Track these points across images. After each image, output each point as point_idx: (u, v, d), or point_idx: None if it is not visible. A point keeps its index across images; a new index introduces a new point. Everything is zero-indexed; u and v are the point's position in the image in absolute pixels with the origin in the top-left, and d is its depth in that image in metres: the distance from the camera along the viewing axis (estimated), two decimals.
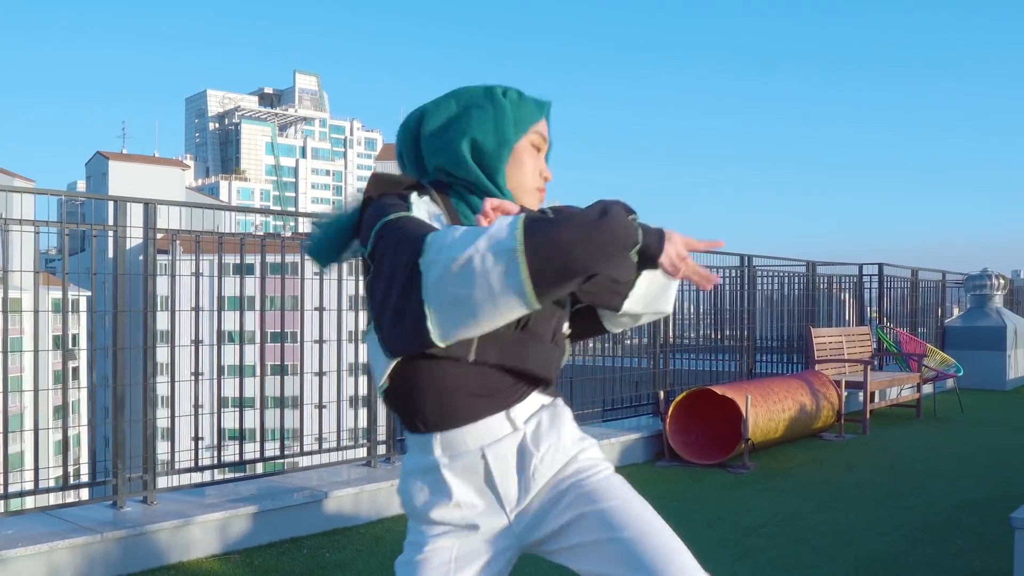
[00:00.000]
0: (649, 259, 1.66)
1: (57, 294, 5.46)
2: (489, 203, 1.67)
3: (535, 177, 1.89)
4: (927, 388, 12.09)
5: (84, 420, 5.13)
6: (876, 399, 10.85)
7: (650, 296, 1.85)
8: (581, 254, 1.50)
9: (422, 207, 1.76)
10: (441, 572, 1.77)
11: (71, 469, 4.88)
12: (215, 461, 5.14)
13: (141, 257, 4.86)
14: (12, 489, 4.31)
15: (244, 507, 4.77)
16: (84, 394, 5.22)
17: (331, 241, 1.83)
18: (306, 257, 1.93)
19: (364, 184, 1.81)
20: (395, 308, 1.59)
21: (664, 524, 1.76)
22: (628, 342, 9.17)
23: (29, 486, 4.39)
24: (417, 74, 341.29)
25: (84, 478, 4.94)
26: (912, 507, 5.94)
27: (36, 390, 4.52)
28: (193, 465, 5.04)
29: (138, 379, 4.78)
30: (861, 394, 9.73)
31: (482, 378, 1.74)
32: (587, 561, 1.75)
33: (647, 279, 1.81)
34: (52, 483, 4.56)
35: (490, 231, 1.52)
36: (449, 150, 1.82)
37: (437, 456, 1.77)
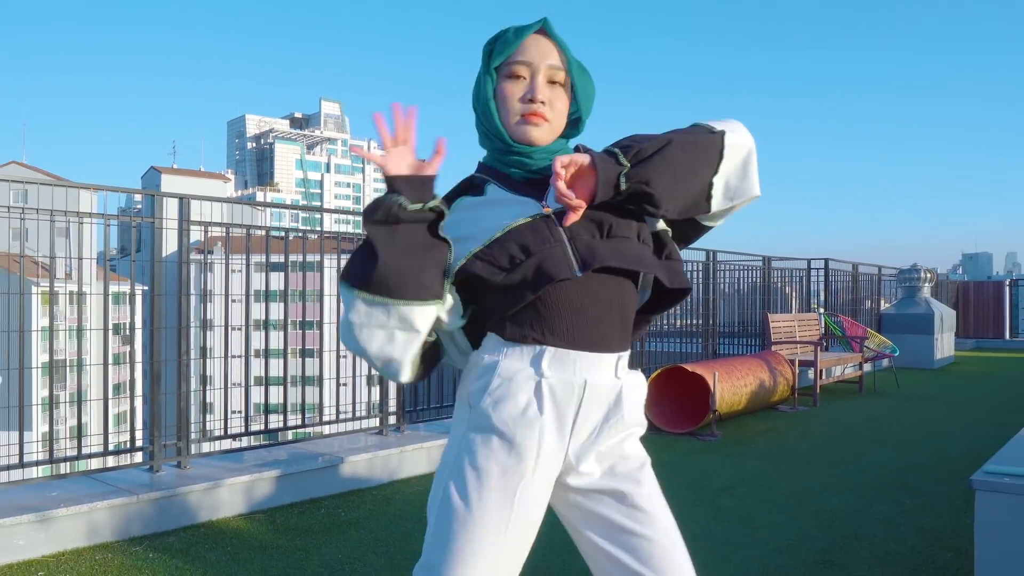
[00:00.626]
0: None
1: (115, 287, 5.20)
2: (559, 161, 1.44)
3: (514, 106, 1.56)
4: (868, 367, 11.90)
5: (132, 394, 4.87)
6: (824, 376, 10.63)
7: (732, 188, 1.57)
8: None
9: (465, 205, 1.61)
10: (502, 485, 1.48)
11: (115, 437, 4.62)
12: (243, 430, 4.88)
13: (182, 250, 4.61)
14: (57, 455, 4.05)
15: (268, 471, 4.51)
16: (129, 371, 4.96)
17: None
18: None
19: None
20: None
21: (676, 529, 1.56)
22: None
23: (73, 452, 4.13)
24: (426, 101, 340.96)
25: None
26: (863, 471, 5.70)
27: (79, 367, 4.26)
28: (223, 433, 4.78)
29: (173, 356, 4.53)
30: (812, 371, 9.49)
31: (596, 299, 1.52)
32: (602, 540, 1.54)
33: (724, 176, 1.55)
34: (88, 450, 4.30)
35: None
36: (481, 138, 1.65)
37: (544, 368, 1.50)
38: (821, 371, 10.41)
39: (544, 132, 1.58)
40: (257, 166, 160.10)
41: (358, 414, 5.48)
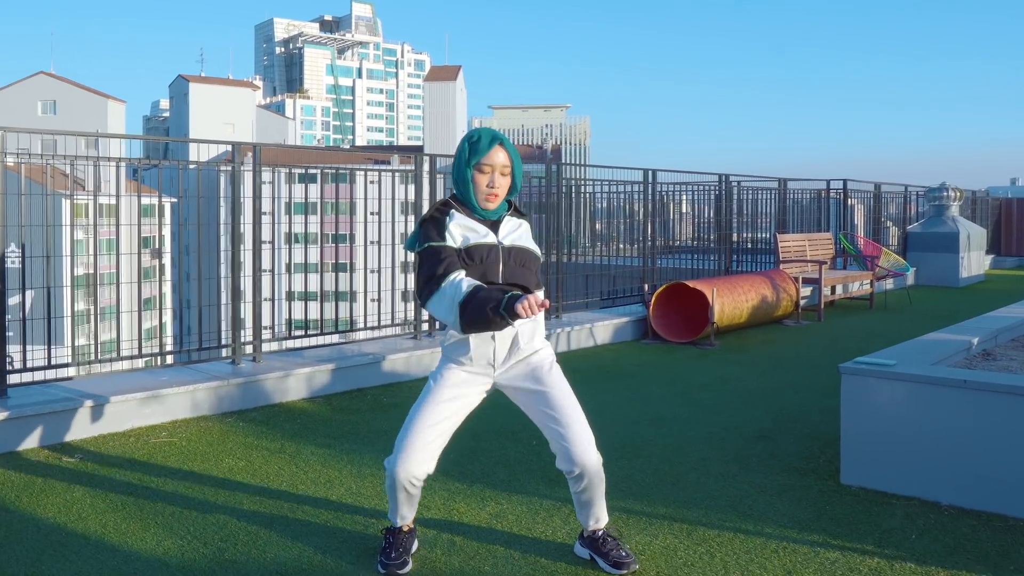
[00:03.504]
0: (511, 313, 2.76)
1: (146, 200, 6.27)
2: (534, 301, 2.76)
3: (483, 189, 2.98)
4: (886, 284, 12.96)
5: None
6: (838, 292, 11.74)
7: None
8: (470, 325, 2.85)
9: (455, 220, 2.97)
10: (453, 383, 3.03)
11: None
12: (304, 334, 6.28)
13: (222, 168, 5.88)
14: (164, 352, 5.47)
15: (325, 365, 5.90)
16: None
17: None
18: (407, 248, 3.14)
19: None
20: (424, 289, 2.92)
21: (573, 398, 3.07)
22: (623, 245, 10.13)
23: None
24: (465, 3, 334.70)
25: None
26: (832, 373, 6.83)
27: (179, 281, 5.63)
28: (288, 334, 6.17)
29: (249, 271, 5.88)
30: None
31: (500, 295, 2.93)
32: (532, 405, 3.08)
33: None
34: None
35: (453, 298, 2.82)
36: (455, 183, 3.04)
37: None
38: (834, 288, 11.57)
39: (495, 204, 3.02)
40: (286, 72, 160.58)
41: (396, 321, 6.84)
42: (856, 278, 11.51)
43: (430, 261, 2.91)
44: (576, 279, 9.38)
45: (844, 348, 8.11)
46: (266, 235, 6.20)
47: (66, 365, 5.02)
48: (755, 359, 7.60)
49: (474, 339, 2.95)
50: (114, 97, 65.56)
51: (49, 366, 4.95)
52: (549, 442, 3.06)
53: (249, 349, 5.83)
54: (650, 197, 9.45)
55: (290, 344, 6.23)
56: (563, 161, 10.75)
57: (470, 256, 2.91)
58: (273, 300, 6.14)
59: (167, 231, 7.43)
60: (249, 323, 5.83)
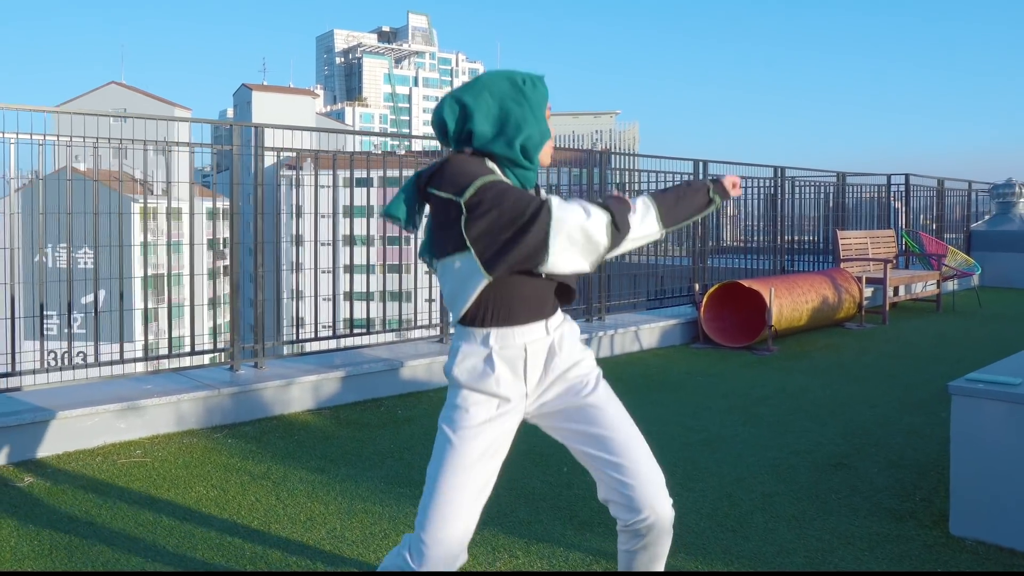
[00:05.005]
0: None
1: (210, 203, 5.69)
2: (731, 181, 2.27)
3: (549, 149, 2.09)
4: (950, 285, 11.80)
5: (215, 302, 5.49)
6: (901, 293, 10.63)
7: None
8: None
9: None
10: (480, 432, 2.04)
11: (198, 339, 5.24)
12: (314, 336, 5.46)
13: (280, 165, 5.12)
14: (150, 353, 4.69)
15: (334, 372, 5.06)
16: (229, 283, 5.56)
17: (406, 200, 2.07)
18: (385, 218, 2.13)
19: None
20: (511, 239, 1.92)
21: (630, 422, 2.12)
22: (671, 244, 9.17)
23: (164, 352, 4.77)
24: (514, 10, 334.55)
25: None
26: (909, 385, 5.91)
27: (168, 280, 4.85)
28: (295, 338, 5.36)
29: (250, 268, 5.09)
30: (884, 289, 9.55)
31: (538, 292, 2.05)
32: (573, 441, 2.13)
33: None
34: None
35: (591, 214, 1.95)
36: (510, 151, 2.02)
37: (492, 344, 2.05)
38: (897, 289, 10.45)
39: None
40: (345, 81, 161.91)
41: (418, 323, 5.99)
42: (922, 278, 10.38)
43: (505, 202, 1.93)
44: (621, 278, 8.46)
45: (917, 356, 7.10)
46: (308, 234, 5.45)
47: (33, 372, 4.26)
48: (818, 367, 6.60)
49: (498, 357, 2.04)
50: (180, 105, 66.06)
51: (12, 373, 4.19)
52: (599, 485, 2.13)
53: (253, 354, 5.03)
54: None
55: (299, 348, 5.41)
56: (612, 150, 9.82)
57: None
58: (278, 299, 5.35)
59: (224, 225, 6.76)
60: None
